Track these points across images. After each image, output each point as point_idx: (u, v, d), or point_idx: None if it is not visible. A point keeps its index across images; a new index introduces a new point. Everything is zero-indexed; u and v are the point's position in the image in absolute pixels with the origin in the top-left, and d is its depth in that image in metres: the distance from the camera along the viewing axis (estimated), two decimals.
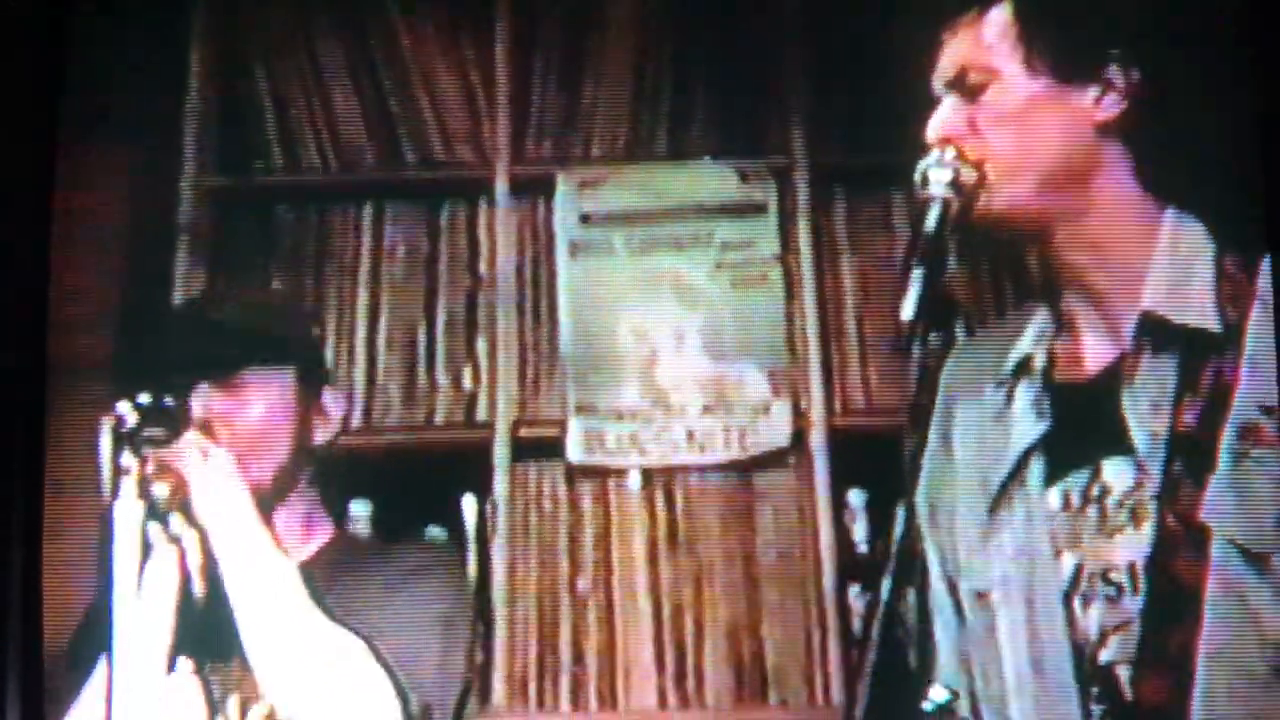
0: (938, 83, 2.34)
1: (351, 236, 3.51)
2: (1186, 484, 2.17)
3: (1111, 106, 2.24)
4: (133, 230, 3.42)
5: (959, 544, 2.32)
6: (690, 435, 3.37)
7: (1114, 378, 2.24)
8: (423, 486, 3.28)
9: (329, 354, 3.27)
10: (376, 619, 2.47)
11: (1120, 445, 2.22)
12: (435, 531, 3.34)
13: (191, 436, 2.47)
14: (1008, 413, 2.31)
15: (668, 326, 3.42)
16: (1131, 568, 2.20)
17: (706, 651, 3.28)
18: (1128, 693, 2.18)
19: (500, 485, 3.36)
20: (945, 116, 2.29)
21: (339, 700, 2.40)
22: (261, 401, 2.58)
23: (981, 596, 2.28)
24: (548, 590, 3.31)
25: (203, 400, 2.52)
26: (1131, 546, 2.20)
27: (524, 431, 3.40)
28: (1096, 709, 2.20)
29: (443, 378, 3.45)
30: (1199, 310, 2.21)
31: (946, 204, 2.15)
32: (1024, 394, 2.31)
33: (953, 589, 2.33)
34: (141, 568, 2.39)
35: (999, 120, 2.24)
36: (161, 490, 2.43)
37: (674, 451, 3.37)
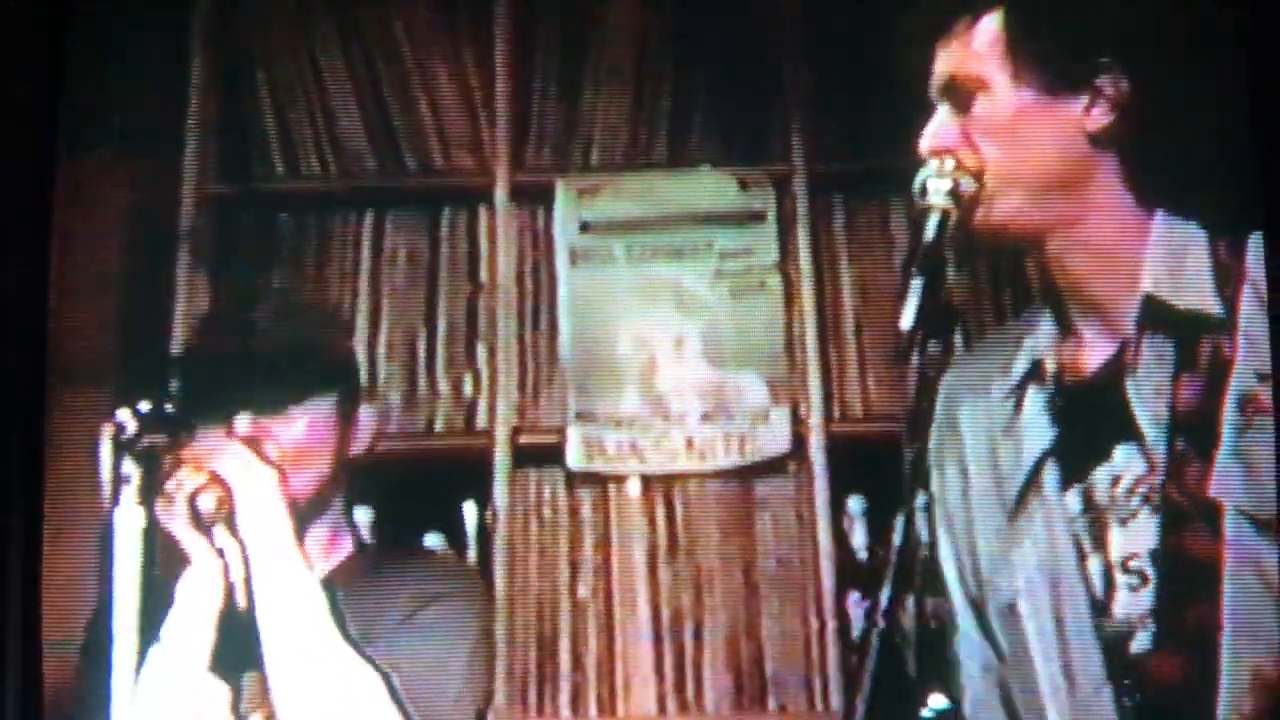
0: (932, 91, 2.35)
1: (352, 243, 3.52)
2: (1193, 461, 2.18)
3: (1102, 116, 2.25)
4: (133, 237, 3.43)
5: (980, 558, 2.32)
6: (690, 442, 3.38)
7: (1117, 369, 2.26)
8: (423, 493, 3.28)
9: (364, 372, 3.28)
10: (395, 647, 2.48)
11: (1128, 433, 2.23)
12: (435, 539, 3.35)
13: (239, 449, 2.49)
14: (1017, 422, 2.31)
15: (667, 334, 3.42)
16: (1151, 554, 2.21)
17: (706, 657, 3.29)
18: (1155, 677, 2.19)
19: (500, 492, 3.37)
20: (938, 127, 2.30)
21: None
22: (305, 419, 2.60)
23: (1010, 609, 2.29)
24: (547, 596, 3.32)
25: (251, 421, 2.55)
26: (1149, 533, 2.22)
27: (524, 439, 3.40)
28: (1129, 701, 2.21)
29: (443, 385, 3.45)
30: (1198, 293, 2.22)
31: (945, 214, 2.16)
32: (1032, 402, 2.32)
33: (976, 606, 2.34)
34: (176, 577, 2.41)
35: (991, 131, 2.25)
36: (208, 502, 2.44)
37: (673, 459, 3.37)
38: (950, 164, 2.21)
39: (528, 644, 3.28)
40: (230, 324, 3.01)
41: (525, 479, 3.39)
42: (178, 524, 2.43)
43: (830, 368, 3.41)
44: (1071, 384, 2.31)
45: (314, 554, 2.57)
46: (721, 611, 3.30)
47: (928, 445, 2.15)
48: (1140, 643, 2.22)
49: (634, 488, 3.37)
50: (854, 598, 3.30)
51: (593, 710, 3.28)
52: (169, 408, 2.45)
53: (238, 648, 2.46)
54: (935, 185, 2.19)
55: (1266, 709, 2.18)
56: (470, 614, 2.62)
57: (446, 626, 2.55)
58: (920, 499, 2.01)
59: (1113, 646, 2.22)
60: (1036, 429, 2.30)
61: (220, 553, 2.45)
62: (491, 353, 3.45)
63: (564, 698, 3.28)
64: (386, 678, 2.45)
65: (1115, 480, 2.23)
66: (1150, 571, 2.21)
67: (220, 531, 2.45)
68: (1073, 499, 2.26)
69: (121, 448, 2.36)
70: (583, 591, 3.33)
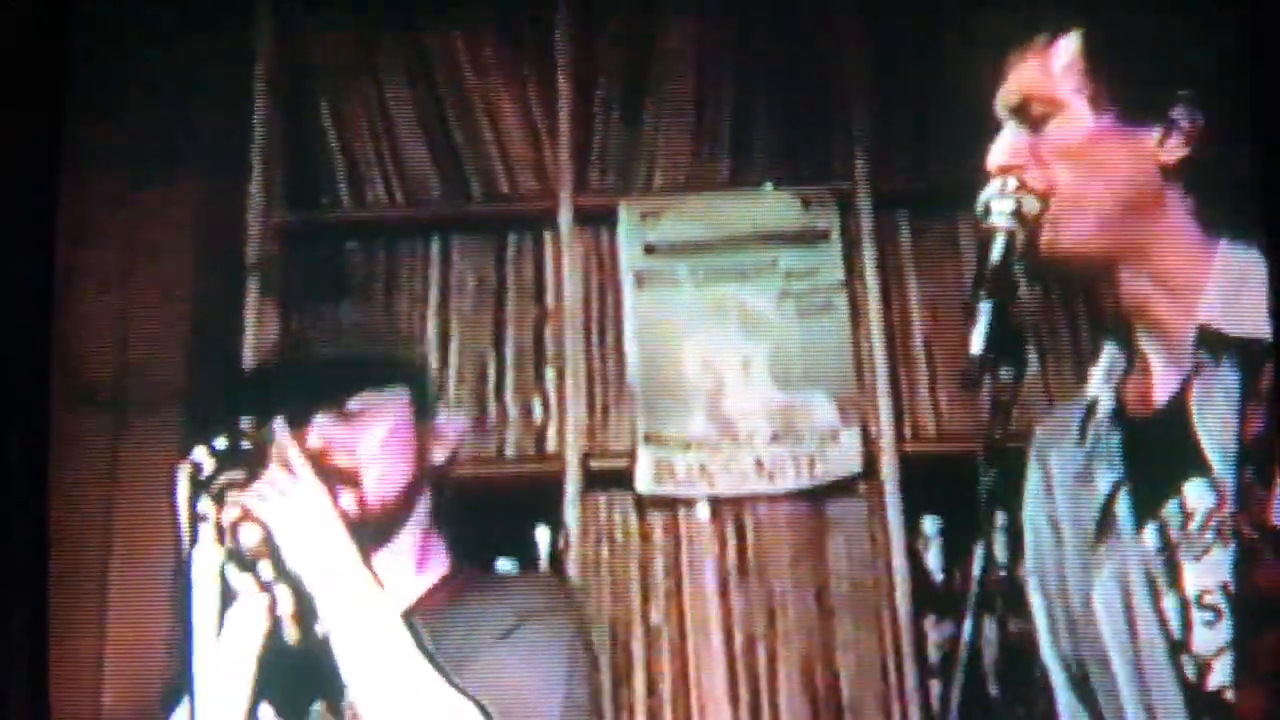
0: (999, 107, 2.32)
1: (419, 270, 3.54)
2: (1259, 491, 2.15)
3: (1177, 149, 2.22)
4: (198, 267, 3.45)
5: (1075, 614, 2.29)
6: (759, 464, 3.36)
7: (1182, 402, 2.23)
8: (495, 518, 3.27)
9: (434, 376, 3.29)
10: (488, 669, 2.38)
11: (1198, 466, 2.20)
12: (507, 564, 3.35)
13: (273, 473, 2.42)
14: (1089, 466, 2.29)
15: (734, 355, 3.41)
16: (1224, 587, 2.18)
17: (781, 683, 3.27)
18: (1236, 713, 2.16)
19: (572, 516, 3.37)
20: (1006, 144, 2.27)
21: None
22: (380, 425, 2.54)
23: (1101, 663, 2.26)
24: (621, 621, 3.31)
25: (320, 431, 2.50)
26: (1221, 566, 2.18)
27: (594, 462, 3.40)
28: None
29: (513, 409, 3.46)
30: (1253, 320, 2.19)
31: (1011, 235, 2.13)
32: (1098, 440, 2.29)
33: (1069, 666, 2.31)
34: (222, 615, 2.39)
35: (1062, 153, 2.22)
36: (249, 538, 2.42)
37: (743, 481, 3.36)
38: (1013, 183, 2.18)
39: (601, 670, 3.27)
40: (300, 346, 3.00)
41: (595, 502, 3.39)
42: (225, 561, 2.40)
43: (900, 387, 3.39)
44: (1136, 416, 2.28)
45: (403, 573, 2.51)
46: (795, 636, 3.28)
47: (1005, 468, 2.13)
48: (1217, 678, 2.19)
49: (703, 511, 3.36)
50: (930, 620, 3.28)
51: None
52: (245, 444, 2.43)
53: (288, 682, 2.43)
54: (999, 205, 2.16)
55: None
56: (568, 629, 2.49)
57: (544, 643, 2.44)
58: (1000, 519, 1.98)
59: (1191, 685, 2.19)
60: (1104, 468, 2.27)
61: (266, 586, 2.43)
62: (560, 376, 3.45)
63: None
64: (481, 707, 2.34)
65: (1189, 515, 2.20)
66: (1224, 605, 2.18)
67: (265, 566, 2.43)
68: (1150, 535, 2.23)
69: (199, 487, 2.36)
70: (656, 616, 3.32)
